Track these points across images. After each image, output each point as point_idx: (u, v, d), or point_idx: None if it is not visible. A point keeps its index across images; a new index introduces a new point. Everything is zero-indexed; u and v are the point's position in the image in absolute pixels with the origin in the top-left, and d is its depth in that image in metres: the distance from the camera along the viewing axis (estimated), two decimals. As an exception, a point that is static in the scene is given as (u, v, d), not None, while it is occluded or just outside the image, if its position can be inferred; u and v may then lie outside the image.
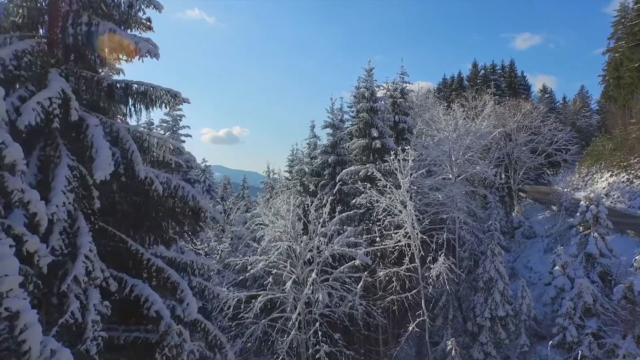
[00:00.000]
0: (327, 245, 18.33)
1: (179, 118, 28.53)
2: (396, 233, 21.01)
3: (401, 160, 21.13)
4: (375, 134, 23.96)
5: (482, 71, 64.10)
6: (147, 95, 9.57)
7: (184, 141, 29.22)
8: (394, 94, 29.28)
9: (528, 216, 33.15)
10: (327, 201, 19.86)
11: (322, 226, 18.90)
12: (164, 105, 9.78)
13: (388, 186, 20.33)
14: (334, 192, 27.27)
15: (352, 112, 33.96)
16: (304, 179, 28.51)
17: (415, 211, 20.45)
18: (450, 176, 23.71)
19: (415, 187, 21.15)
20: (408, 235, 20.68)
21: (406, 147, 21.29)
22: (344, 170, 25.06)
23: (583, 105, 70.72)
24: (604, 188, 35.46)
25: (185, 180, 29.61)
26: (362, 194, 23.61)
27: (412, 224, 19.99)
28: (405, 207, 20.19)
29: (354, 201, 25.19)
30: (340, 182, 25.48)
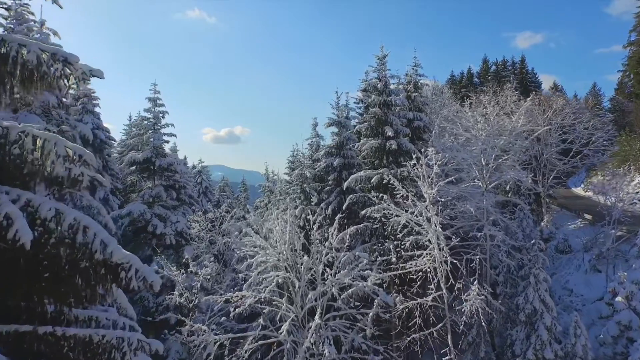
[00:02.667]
0: (334, 276, 13.93)
1: (161, 115, 24.20)
2: (419, 255, 16.67)
3: (424, 166, 16.80)
4: (389, 133, 19.62)
5: (493, 67, 59.69)
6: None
7: (167, 141, 24.89)
8: (408, 87, 24.95)
9: (557, 225, 28.80)
10: (336, 220, 15.48)
11: (327, 252, 14.54)
12: (50, 79, 5.47)
13: (409, 198, 15.98)
14: (340, 201, 22.98)
15: (360, 108, 29.71)
16: (305, 185, 24.19)
17: (440, 227, 16.12)
18: (480, 183, 19.37)
19: (439, 198, 16.80)
20: (433, 258, 16.37)
21: (429, 149, 16.93)
22: (352, 176, 20.74)
23: (596, 104, 66.56)
24: (637, 192, 31.11)
25: (169, 186, 25.41)
26: (375, 206, 19.34)
27: (439, 244, 15.67)
28: (430, 223, 15.87)
29: (363, 212, 20.88)
30: (348, 190, 21.19)
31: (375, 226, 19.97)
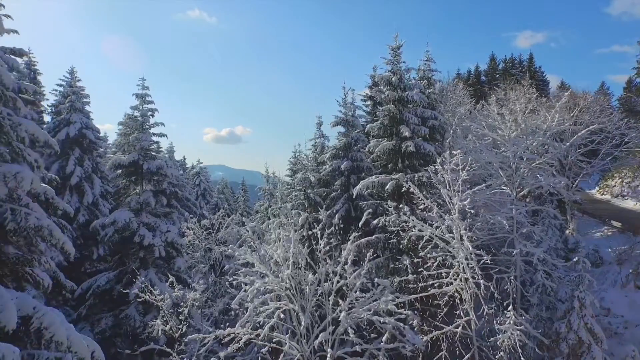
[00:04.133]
0: (348, 310, 11.23)
1: (150, 113, 21.53)
2: (444, 275, 14.06)
3: (449, 171, 14.20)
4: (406, 133, 16.99)
5: (501, 64, 57.03)
6: None
7: (157, 142, 22.20)
8: (422, 82, 22.31)
9: (581, 233, 26.16)
10: (352, 238, 12.80)
11: (338, 279, 11.85)
12: None
13: (435, 210, 13.35)
14: (348, 209, 20.37)
15: (367, 106, 27.11)
16: (309, 190, 21.57)
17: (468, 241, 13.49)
18: (508, 190, 16.74)
19: (468, 209, 14.12)
20: (461, 278, 13.76)
21: (454, 151, 14.32)
22: (362, 182, 18.11)
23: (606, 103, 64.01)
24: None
25: (159, 192, 22.65)
26: (391, 216, 16.75)
27: (469, 264, 13.06)
28: (458, 239, 13.25)
29: (375, 222, 18.30)
30: (358, 197, 18.57)
31: (390, 239, 17.33)
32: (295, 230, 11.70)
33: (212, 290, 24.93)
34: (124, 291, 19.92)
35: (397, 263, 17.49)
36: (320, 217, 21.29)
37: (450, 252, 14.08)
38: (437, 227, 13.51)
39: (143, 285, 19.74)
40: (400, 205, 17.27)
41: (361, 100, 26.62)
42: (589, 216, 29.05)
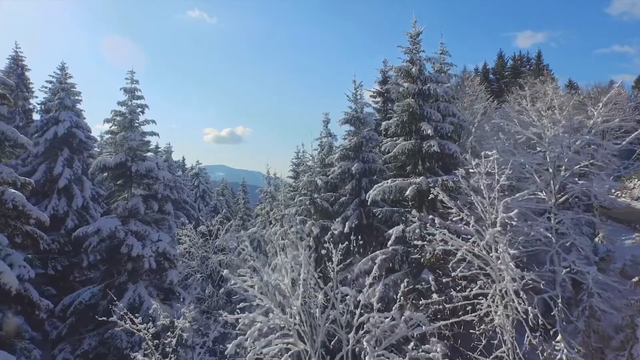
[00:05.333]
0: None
1: (139, 110, 19.14)
2: (479, 299, 11.68)
3: (483, 175, 11.83)
4: (428, 130, 14.60)
5: (509, 61, 54.65)
6: None
7: (147, 141, 19.80)
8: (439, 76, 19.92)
9: (611, 241, 23.73)
10: (377, 263, 10.40)
11: (360, 313, 9.42)
12: None
13: (471, 224, 10.95)
14: (360, 216, 18.00)
15: (377, 103, 24.70)
16: (316, 195, 19.19)
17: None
18: (544, 196, 14.35)
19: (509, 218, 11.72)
20: (499, 302, 11.39)
21: (489, 152, 11.93)
22: (376, 187, 15.72)
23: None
24: None
25: (149, 196, 20.22)
26: (413, 225, 14.39)
27: (513, 287, 10.66)
28: (496, 256, 10.87)
29: (391, 231, 15.94)
30: (372, 202, 16.19)
31: (409, 252, 14.95)
32: (305, 248, 9.30)
33: (209, 303, 22.63)
34: (111, 307, 17.65)
35: (414, 279, 15.14)
36: (328, 224, 19.09)
37: (484, 269, 11.71)
38: (473, 242, 11.13)
39: (125, 308, 17.45)
40: (425, 214, 14.97)
41: (370, 96, 24.23)
42: (615, 222, 26.60)
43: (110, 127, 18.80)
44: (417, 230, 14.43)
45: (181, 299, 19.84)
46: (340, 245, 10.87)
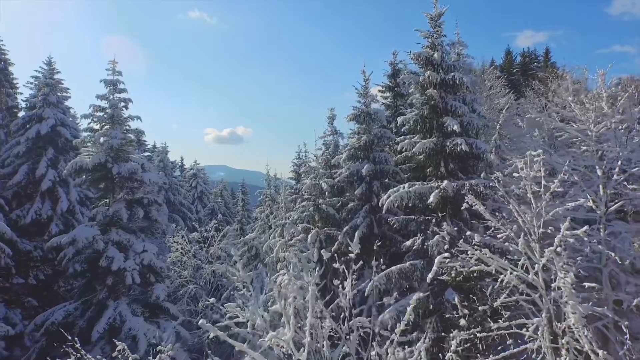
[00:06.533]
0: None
1: (123, 104, 16.76)
2: (523, 327, 9.34)
3: (530, 179, 9.47)
4: (454, 126, 12.19)
5: (518, 58, 52.31)
6: None
7: (131, 140, 17.40)
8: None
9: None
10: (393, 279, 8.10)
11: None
12: None
13: (520, 243, 8.53)
14: (371, 224, 15.65)
15: (385, 99, 22.35)
16: (320, 200, 16.81)
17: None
18: (592, 204, 11.96)
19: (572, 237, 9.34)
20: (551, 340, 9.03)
21: (534, 152, 9.55)
22: (391, 192, 13.34)
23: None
24: None
25: (134, 202, 17.78)
26: (438, 237, 12.06)
27: (576, 323, 8.28)
28: (565, 288, 8.49)
29: (409, 243, 13.59)
30: (387, 210, 13.79)
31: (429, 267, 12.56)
32: (312, 284, 6.96)
33: (202, 317, 20.26)
34: (92, 326, 15.37)
35: (436, 298, 12.80)
36: (334, 232, 16.73)
37: (529, 296, 9.36)
38: (522, 266, 8.74)
39: (111, 321, 15.10)
40: (450, 224, 12.61)
41: (379, 91, 21.87)
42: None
43: (89, 123, 16.43)
44: (441, 244, 12.07)
45: (171, 315, 17.55)
46: (353, 265, 8.49)
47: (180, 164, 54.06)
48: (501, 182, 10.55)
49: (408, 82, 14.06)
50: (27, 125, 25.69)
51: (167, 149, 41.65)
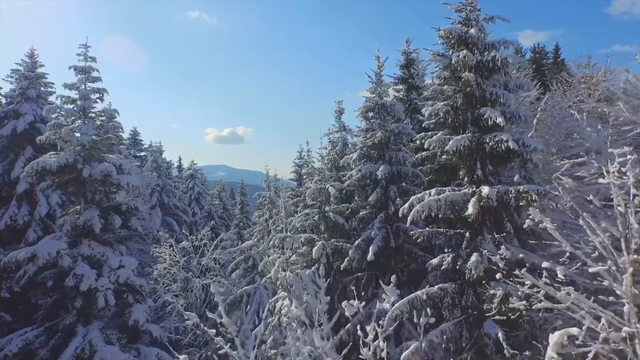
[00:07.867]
0: None
1: (97, 95, 14.11)
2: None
3: (616, 184, 6.85)
4: (496, 119, 9.58)
5: (528, 53, 49.62)
6: None
7: (107, 138, 14.72)
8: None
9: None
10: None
11: None
12: None
13: (626, 282, 5.93)
14: (387, 237, 13.02)
15: (398, 92, 19.70)
16: (327, 208, 14.15)
17: None
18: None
19: None
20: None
21: (625, 148, 6.91)
22: (414, 200, 10.70)
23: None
24: None
25: (110, 209, 15.06)
26: (473, 260, 9.47)
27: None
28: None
29: (435, 262, 10.96)
30: (402, 219, 11.14)
31: (464, 291, 9.96)
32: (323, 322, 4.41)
33: (192, 338, 17.67)
34: (56, 358, 12.76)
35: (477, 334, 10.16)
36: (342, 245, 14.14)
37: (617, 343, 6.72)
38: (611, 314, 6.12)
39: (79, 351, 12.49)
40: (489, 239, 9.99)
41: (391, 82, 19.21)
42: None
43: (56, 117, 13.80)
44: (481, 267, 9.45)
45: (154, 338, 14.91)
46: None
47: (178, 164, 51.55)
48: (567, 188, 7.95)
49: (436, 64, 11.40)
50: (3, 122, 23.13)
51: (162, 148, 39.05)
